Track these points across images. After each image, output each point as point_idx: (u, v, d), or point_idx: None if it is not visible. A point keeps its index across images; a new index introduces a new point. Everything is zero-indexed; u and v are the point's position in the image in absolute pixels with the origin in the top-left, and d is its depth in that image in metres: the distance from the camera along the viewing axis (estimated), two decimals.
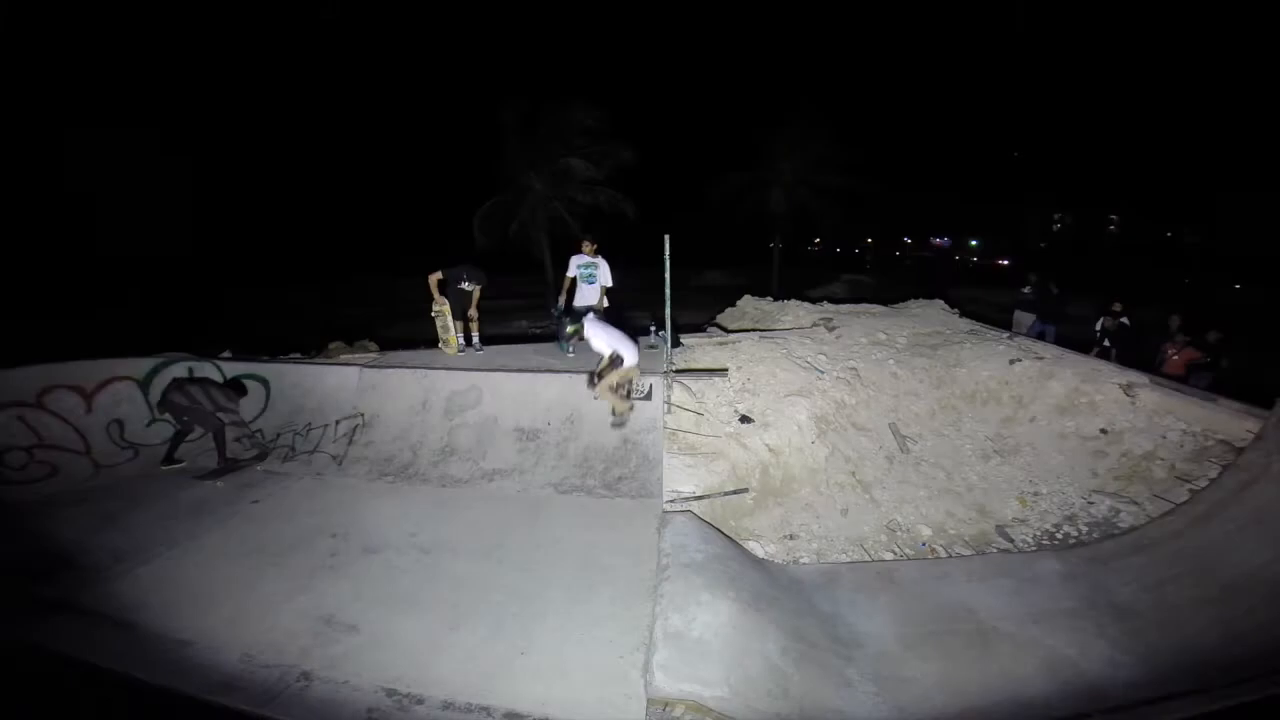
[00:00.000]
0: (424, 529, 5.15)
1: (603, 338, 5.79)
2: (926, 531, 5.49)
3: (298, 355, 8.25)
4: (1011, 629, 3.93)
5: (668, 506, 5.27)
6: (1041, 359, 7.12)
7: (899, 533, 5.51)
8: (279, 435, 6.86)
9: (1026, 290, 10.62)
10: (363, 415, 6.80)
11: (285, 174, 27.48)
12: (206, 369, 7.30)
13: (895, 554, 5.24)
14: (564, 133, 17.88)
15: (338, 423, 6.79)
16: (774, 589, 4.30)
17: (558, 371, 6.76)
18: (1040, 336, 9.41)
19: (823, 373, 7.01)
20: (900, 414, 6.73)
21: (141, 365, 7.11)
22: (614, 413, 6.06)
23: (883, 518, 5.66)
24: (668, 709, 3.14)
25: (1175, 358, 7.84)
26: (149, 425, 6.89)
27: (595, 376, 5.84)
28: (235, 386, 6.88)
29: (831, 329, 8.43)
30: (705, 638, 3.52)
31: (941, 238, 59.11)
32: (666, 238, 6.58)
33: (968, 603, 4.20)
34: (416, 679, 3.46)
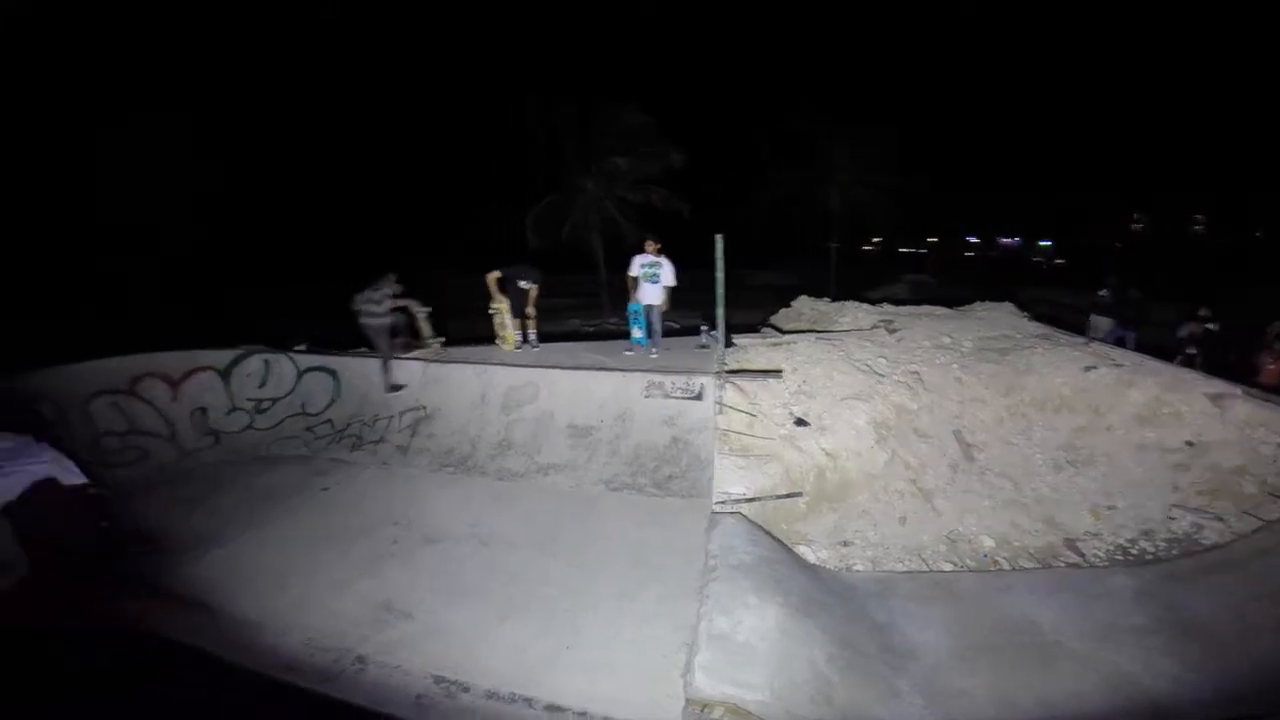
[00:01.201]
0: (482, 521, 5.31)
1: None
2: (989, 543, 5.27)
3: (365, 349, 8.63)
4: (1074, 644, 3.75)
5: (717, 507, 5.24)
6: (1120, 366, 6.70)
7: (960, 543, 5.30)
8: (348, 425, 7.20)
9: (1104, 293, 10.01)
10: (425, 408, 7.05)
11: (341, 173, 28.69)
12: (282, 361, 7.74)
13: (955, 565, 5.04)
14: (614, 134, 18.00)
15: (402, 414, 7.07)
16: (824, 595, 4.23)
17: (610, 370, 6.83)
18: (1119, 342, 8.85)
19: (883, 376, 6.81)
20: (965, 421, 6.46)
21: (223, 357, 7.60)
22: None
23: (943, 527, 5.45)
24: (706, 710, 3.13)
25: (1272, 367, 7.27)
26: (229, 413, 7.36)
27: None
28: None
29: (892, 331, 8.19)
30: (750, 641, 3.50)
31: (1010, 237, 56.36)
32: (719, 237, 6.55)
33: (1030, 616, 4.03)
34: (465, 667, 3.58)
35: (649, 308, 7.68)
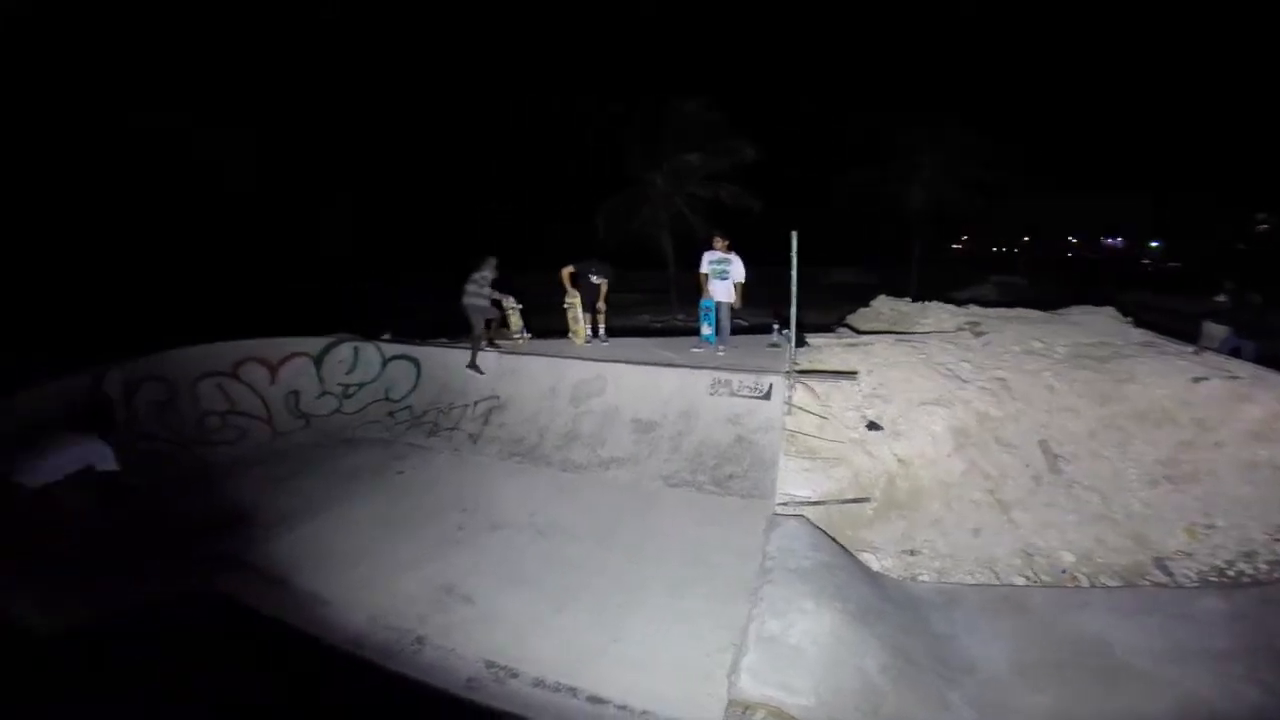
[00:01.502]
0: (543, 510, 5.45)
1: None
2: (1069, 558, 4.97)
3: (445, 340, 9.02)
4: (1147, 666, 3.53)
5: (779, 509, 5.16)
6: (1235, 378, 6.08)
7: (1037, 557, 5.01)
8: (425, 412, 7.55)
9: (1221, 299, 9.08)
10: (499, 397, 7.30)
11: (441, 176, 30.07)
12: (369, 350, 8.22)
13: (1029, 580, 4.79)
14: (683, 130, 17.89)
15: (476, 403, 7.35)
16: (884, 604, 4.09)
17: (677, 366, 6.82)
18: (1234, 352, 8.00)
19: (965, 381, 6.48)
20: (1054, 431, 6.05)
21: (316, 344, 8.14)
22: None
23: (1020, 540, 5.18)
24: (748, 712, 3.10)
25: None
26: (319, 397, 7.89)
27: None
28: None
29: (978, 334, 7.76)
30: (801, 645, 3.43)
31: (1114, 237, 52.02)
32: (794, 234, 6.42)
33: (1103, 636, 3.82)
34: (516, 654, 3.69)
35: (718, 305, 7.62)
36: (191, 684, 3.36)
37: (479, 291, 7.85)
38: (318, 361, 8.05)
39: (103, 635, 3.65)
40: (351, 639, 3.86)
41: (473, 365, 7.70)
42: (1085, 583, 4.70)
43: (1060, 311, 8.74)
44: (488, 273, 7.93)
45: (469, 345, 7.81)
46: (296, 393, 7.80)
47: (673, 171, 18.15)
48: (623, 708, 3.27)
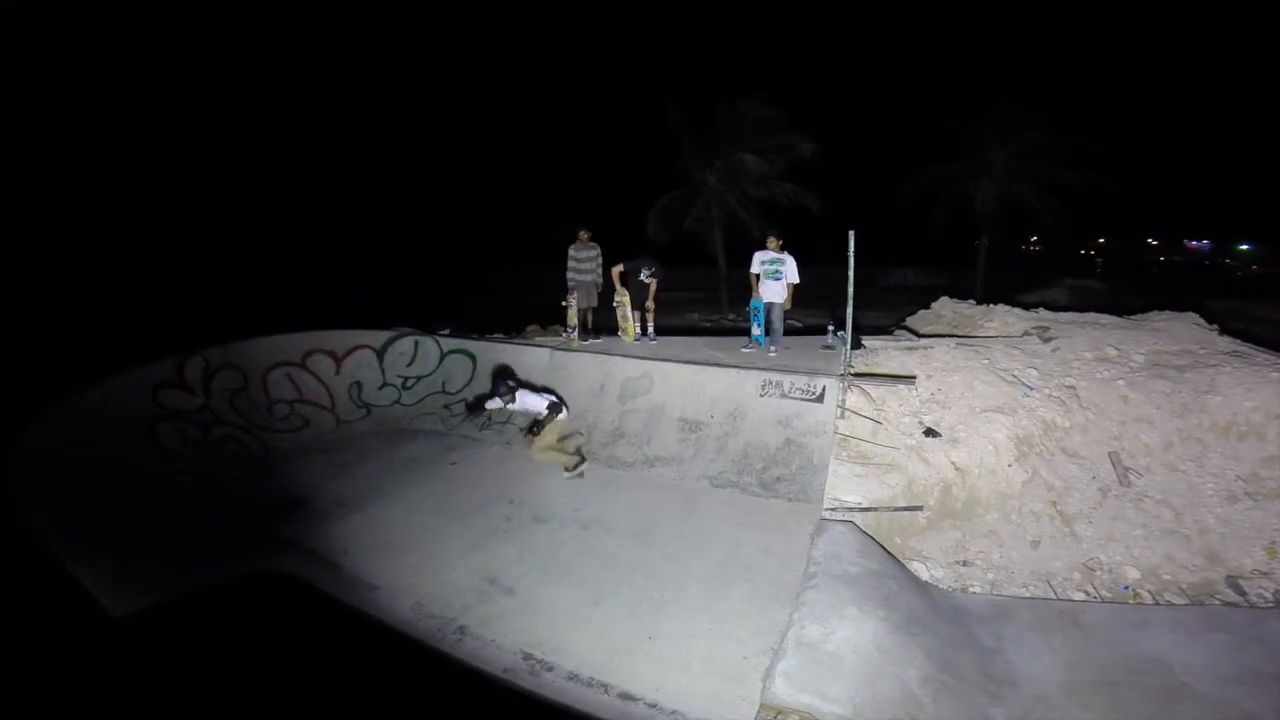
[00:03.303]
0: (587, 506, 5.52)
1: (533, 399, 5.94)
2: (1134, 574, 4.76)
3: (500, 335, 9.24)
4: (1206, 687, 3.35)
5: (827, 514, 5.06)
6: None
7: (1099, 572, 4.81)
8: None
9: None
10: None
11: (483, 170, 30.90)
12: (428, 343, 8.51)
13: (1088, 595, 4.60)
14: (737, 128, 17.65)
15: None
16: (931, 615, 3.98)
17: (725, 366, 6.77)
18: None
19: (1031, 389, 6.19)
20: (1125, 443, 5.73)
21: (379, 337, 8.48)
22: (566, 468, 6.10)
23: (1082, 554, 4.97)
24: (779, 717, 3.06)
25: None
26: (380, 388, 8.21)
27: (532, 432, 6.05)
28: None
29: (1047, 340, 7.39)
30: (840, 652, 3.38)
31: (1199, 239, 48.32)
32: (851, 234, 6.28)
33: (1162, 655, 3.64)
34: (552, 647, 3.75)
35: (770, 305, 7.51)
36: (251, 661, 3.54)
37: (583, 268, 8.18)
38: (380, 354, 8.38)
39: (171, 614, 3.87)
40: (399, 625, 4.01)
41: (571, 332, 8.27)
42: (1149, 600, 4.51)
43: (1138, 317, 8.22)
44: (592, 252, 8.25)
45: (572, 327, 8.25)
46: (359, 383, 8.14)
47: (726, 170, 17.96)
48: (653, 706, 3.28)
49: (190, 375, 6.99)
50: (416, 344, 8.52)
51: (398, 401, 8.13)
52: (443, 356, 8.45)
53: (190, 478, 6.02)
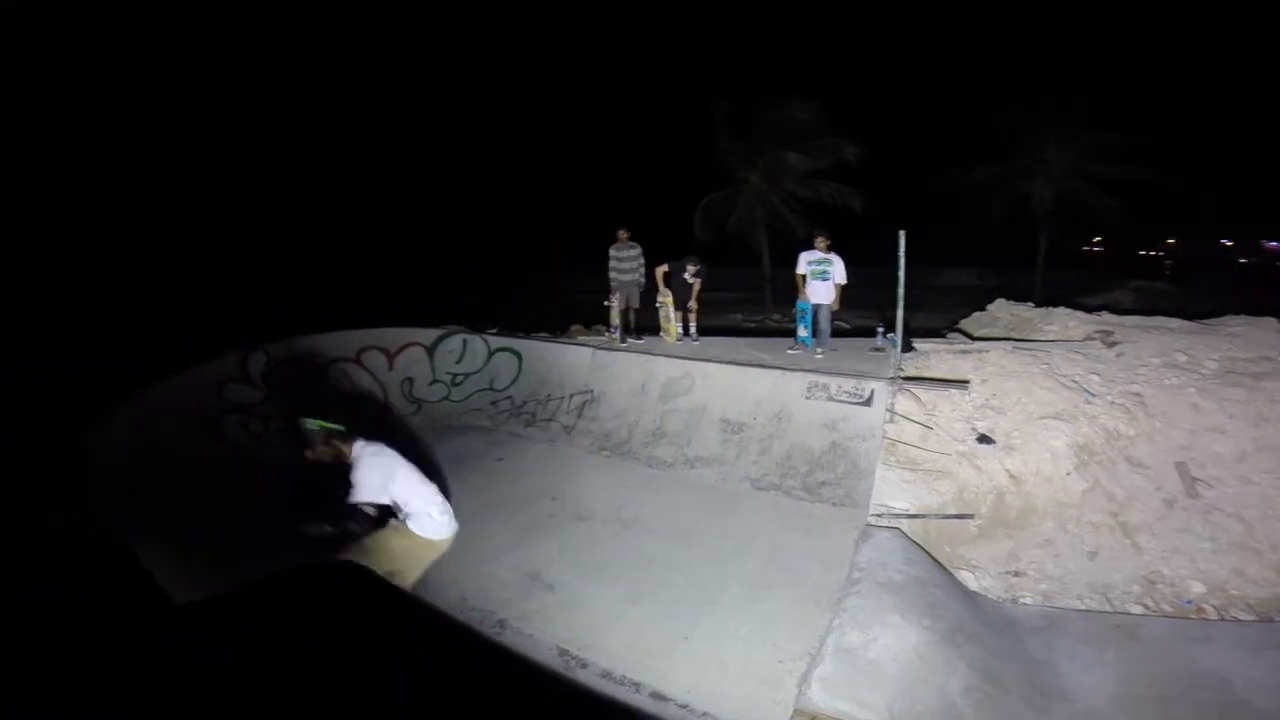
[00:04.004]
0: (628, 504, 5.55)
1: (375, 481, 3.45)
2: (1198, 588, 4.53)
3: (545, 334, 9.39)
4: (1267, 704, 3.18)
5: (873, 520, 4.96)
6: None
7: (1160, 585, 4.60)
8: (525, 403, 7.90)
9: None
10: (592, 392, 7.51)
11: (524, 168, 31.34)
12: (476, 342, 8.72)
13: (1148, 609, 4.40)
14: (779, 128, 17.42)
15: (571, 396, 7.60)
16: (979, 625, 3.87)
17: (769, 367, 6.70)
18: None
19: (1093, 396, 5.93)
20: (1195, 453, 5.43)
21: (430, 334, 8.74)
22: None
23: (1143, 567, 4.76)
24: None
25: None
26: (430, 385, 8.46)
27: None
28: None
29: (1111, 344, 7.05)
30: (881, 660, 3.31)
31: (1278, 240, 45.03)
32: (902, 234, 6.15)
33: (1222, 671, 3.46)
34: (588, 644, 3.78)
35: (817, 307, 7.41)
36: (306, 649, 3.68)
37: (626, 268, 8.28)
38: (430, 351, 8.63)
39: (231, 601, 4.07)
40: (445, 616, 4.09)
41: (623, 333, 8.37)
42: (1213, 615, 4.31)
43: (1211, 321, 7.75)
44: (633, 252, 8.33)
45: (614, 327, 8.37)
46: (410, 379, 8.40)
47: (769, 169, 17.78)
48: (684, 707, 3.27)
49: (253, 369, 7.34)
50: (465, 342, 8.74)
51: (446, 398, 8.35)
52: (490, 354, 8.64)
53: (251, 470, 6.32)
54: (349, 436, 3.54)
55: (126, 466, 5.55)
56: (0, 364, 7.41)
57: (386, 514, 3.57)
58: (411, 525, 3.48)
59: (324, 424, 3.56)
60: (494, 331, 9.02)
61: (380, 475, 3.42)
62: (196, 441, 6.38)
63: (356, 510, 3.43)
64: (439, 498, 3.64)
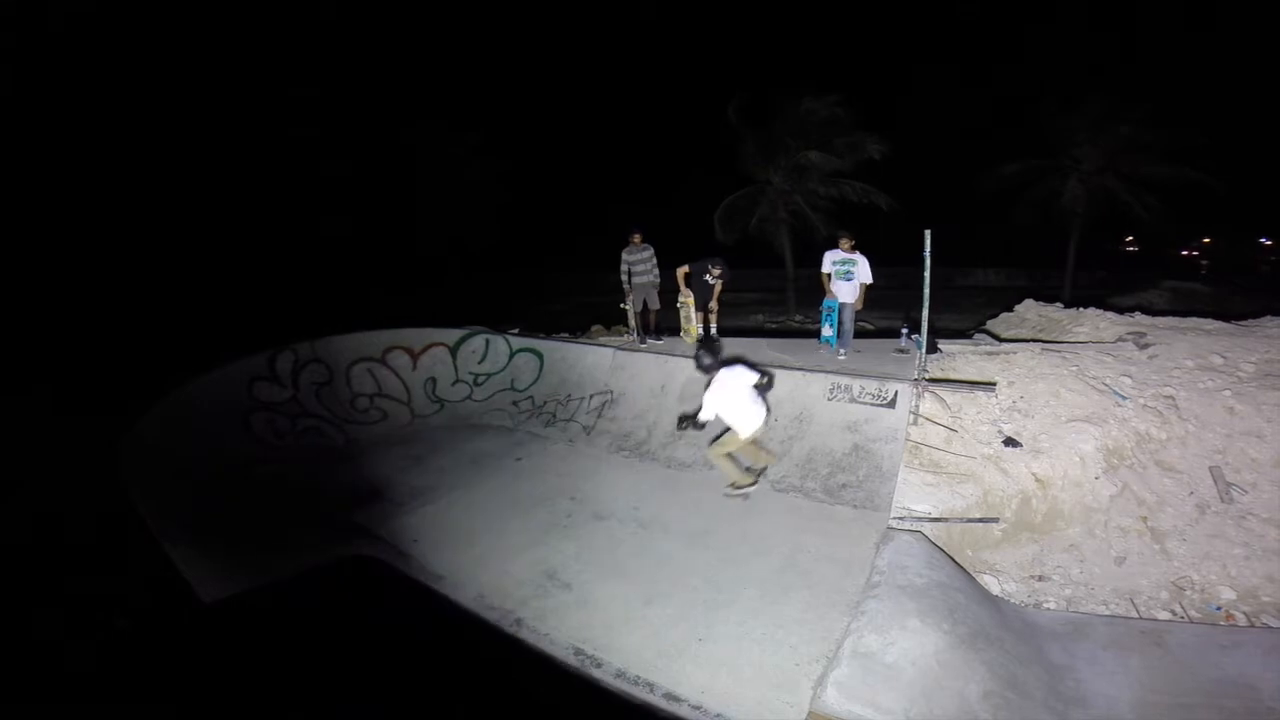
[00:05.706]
0: (646, 505, 5.56)
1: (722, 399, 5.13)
2: (1229, 595, 4.41)
3: (566, 335, 9.45)
4: None
5: (895, 523, 4.90)
6: None
7: (1189, 591, 4.48)
8: (545, 403, 7.96)
9: None
10: (612, 392, 7.53)
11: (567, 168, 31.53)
12: (499, 342, 8.81)
13: (1175, 615, 4.29)
14: (801, 126, 17.23)
15: (591, 397, 7.64)
16: (1000, 630, 3.80)
17: (790, 368, 6.65)
18: None
19: (1124, 398, 5.79)
20: (1230, 457, 5.27)
21: (453, 335, 8.86)
22: (733, 486, 5.55)
23: (1172, 573, 4.64)
24: None
25: None
26: (453, 384, 8.57)
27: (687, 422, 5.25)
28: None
29: (1143, 346, 6.87)
30: (898, 664, 3.27)
31: None
32: (928, 233, 6.06)
33: (1249, 679, 3.37)
34: (604, 644, 3.80)
35: (842, 306, 7.35)
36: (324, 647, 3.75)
37: (643, 269, 8.27)
38: (454, 351, 8.74)
39: (253, 600, 4.07)
40: (458, 615, 4.17)
41: (646, 338, 8.36)
42: (1243, 622, 4.19)
43: (1248, 323, 7.51)
44: (647, 253, 8.31)
45: (639, 326, 8.39)
46: (434, 379, 8.51)
47: (791, 169, 17.62)
48: (697, 708, 3.28)
49: (281, 368, 7.51)
50: (487, 342, 8.83)
51: (469, 397, 8.44)
52: (512, 355, 8.72)
53: (278, 466, 6.47)
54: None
55: (158, 461, 5.73)
56: (37, 364, 7.67)
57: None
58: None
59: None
60: (515, 332, 9.11)
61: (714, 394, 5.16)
62: (226, 438, 6.55)
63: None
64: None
